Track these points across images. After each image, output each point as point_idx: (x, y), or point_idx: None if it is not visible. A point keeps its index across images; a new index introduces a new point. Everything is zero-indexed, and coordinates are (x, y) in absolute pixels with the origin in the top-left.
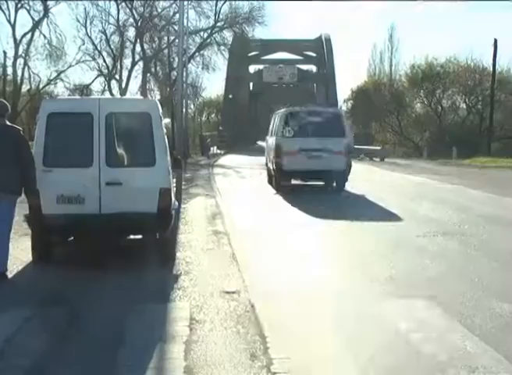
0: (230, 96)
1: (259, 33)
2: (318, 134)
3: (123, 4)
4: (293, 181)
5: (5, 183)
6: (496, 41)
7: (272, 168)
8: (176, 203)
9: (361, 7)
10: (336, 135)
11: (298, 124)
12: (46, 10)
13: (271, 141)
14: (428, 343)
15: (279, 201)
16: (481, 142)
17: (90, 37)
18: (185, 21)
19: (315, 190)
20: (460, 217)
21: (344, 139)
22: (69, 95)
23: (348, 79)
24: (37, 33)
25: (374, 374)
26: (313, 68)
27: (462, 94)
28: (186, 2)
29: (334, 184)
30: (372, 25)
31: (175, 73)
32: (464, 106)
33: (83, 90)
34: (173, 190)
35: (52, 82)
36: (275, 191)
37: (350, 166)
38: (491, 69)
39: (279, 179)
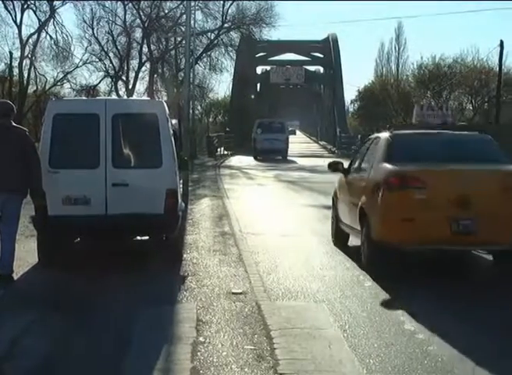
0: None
1: (266, 34)
2: (273, 132)
3: (130, 5)
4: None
5: (11, 184)
6: (502, 42)
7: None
8: (183, 204)
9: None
10: (281, 132)
11: (264, 127)
12: (52, 11)
13: (252, 135)
14: (433, 343)
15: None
16: None
17: (96, 38)
18: (192, 22)
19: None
20: None
21: (285, 134)
22: (75, 96)
23: (355, 79)
24: (43, 34)
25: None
26: (320, 69)
27: (468, 95)
28: (193, 3)
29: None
30: (380, 25)
31: (182, 74)
32: (471, 107)
33: (90, 91)
34: (180, 191)
35: (59, 83)
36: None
37: (288, 147)
38: (497, 69)
39: (256, 154)
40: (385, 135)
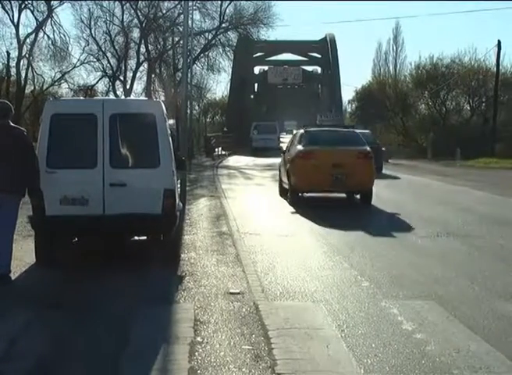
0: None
1: (264, 34)
2: (267, 132)
3: (128, 5)
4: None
5: (9, 183)
6: (499, 42)
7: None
8: (181, 204)
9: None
10: (274, 133)
11: (260, 129)
12: (50, 11)
13: (250, 135)
14: (431, 343)
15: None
16: (485, 143)
17: (94, 38)
18: (189, 22)
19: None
20: (463, 218)
21: (277, 134)
22: (72, 96)
23: (353, 79)
24: (40, 33)
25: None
26: (318, 69)
27: (466, 95)
28: (190, 3)
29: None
30: (377, 25)
31: (180, 74)
32: (468, 107)
33: (87, 91)
34: (178, 191)
35: (56, 83)
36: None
37: (279, 145)
38: (494, 69)
39: (253, 151)
40: (301, 130)
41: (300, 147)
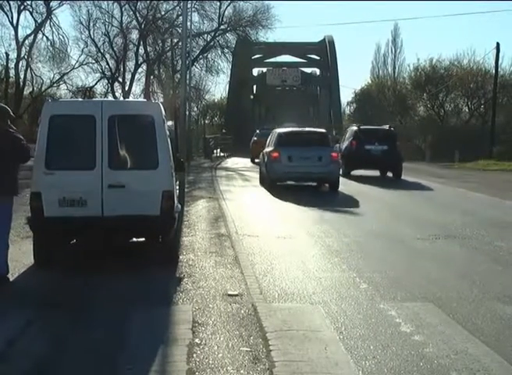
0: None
1: (263, 36)
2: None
3: (127, 6)
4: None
5: (2, 184)
6: (498, 44)
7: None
8: (179, 206)
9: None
10: None
11: (262, 132)
12: (49, 12)
13: (252, 138)
14: (429, 345)
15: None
16: (484, 145)
17: (93, 40)
18: (188, 24)
19: None
20: (462, 220)
21: None
22: (71, 98)
23: (352, 81)
24: (39, 35)
25: None
26: (316, 71)
27: (464, 98)
28: (189, 5)
29: None
30: (376, 27)
31: (178, 76)
32: (467, 109)
33: (86, 92)
34: (176, 192)
35: (55, 84)
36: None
37: None
38: (493, 71)
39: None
40: (257, 131)
41: (255, 138)
